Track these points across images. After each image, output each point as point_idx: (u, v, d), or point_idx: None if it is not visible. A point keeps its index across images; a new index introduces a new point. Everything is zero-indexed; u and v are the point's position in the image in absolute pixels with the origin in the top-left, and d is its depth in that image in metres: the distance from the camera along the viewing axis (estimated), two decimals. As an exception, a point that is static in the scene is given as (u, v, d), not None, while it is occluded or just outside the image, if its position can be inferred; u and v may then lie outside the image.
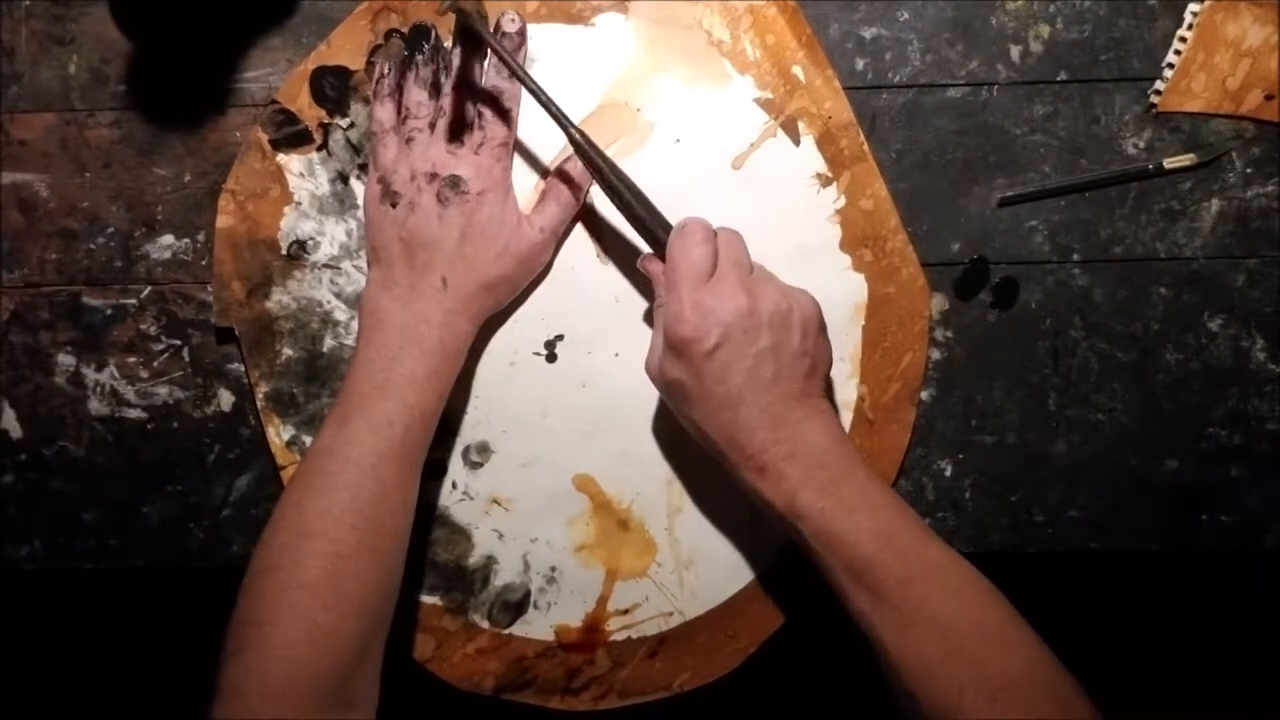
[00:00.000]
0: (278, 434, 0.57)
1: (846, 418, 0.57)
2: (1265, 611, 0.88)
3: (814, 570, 0.49)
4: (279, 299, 0.57)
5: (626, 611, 0.57)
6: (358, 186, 0.56)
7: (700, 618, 0.57)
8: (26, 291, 0.58)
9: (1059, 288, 0.57)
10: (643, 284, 0.56)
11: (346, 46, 0.56)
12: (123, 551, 0.59)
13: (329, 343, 0.57)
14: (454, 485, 0.57)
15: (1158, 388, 0.57)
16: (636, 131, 0.56)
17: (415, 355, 0.51)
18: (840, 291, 0.56)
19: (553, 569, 0.57)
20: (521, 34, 0.54)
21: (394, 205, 0.52)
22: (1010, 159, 0.56)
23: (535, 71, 0.55)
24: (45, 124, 0.57)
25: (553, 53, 0.56)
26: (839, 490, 0.48)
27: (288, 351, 0.57)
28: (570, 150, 0.54)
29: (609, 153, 0.55)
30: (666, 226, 0.52)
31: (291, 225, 0.57)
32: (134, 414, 0.58)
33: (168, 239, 0.57)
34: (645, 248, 0.53)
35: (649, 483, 0.57)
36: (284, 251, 0.57)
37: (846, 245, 0.56)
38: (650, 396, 0.56)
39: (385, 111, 0.54)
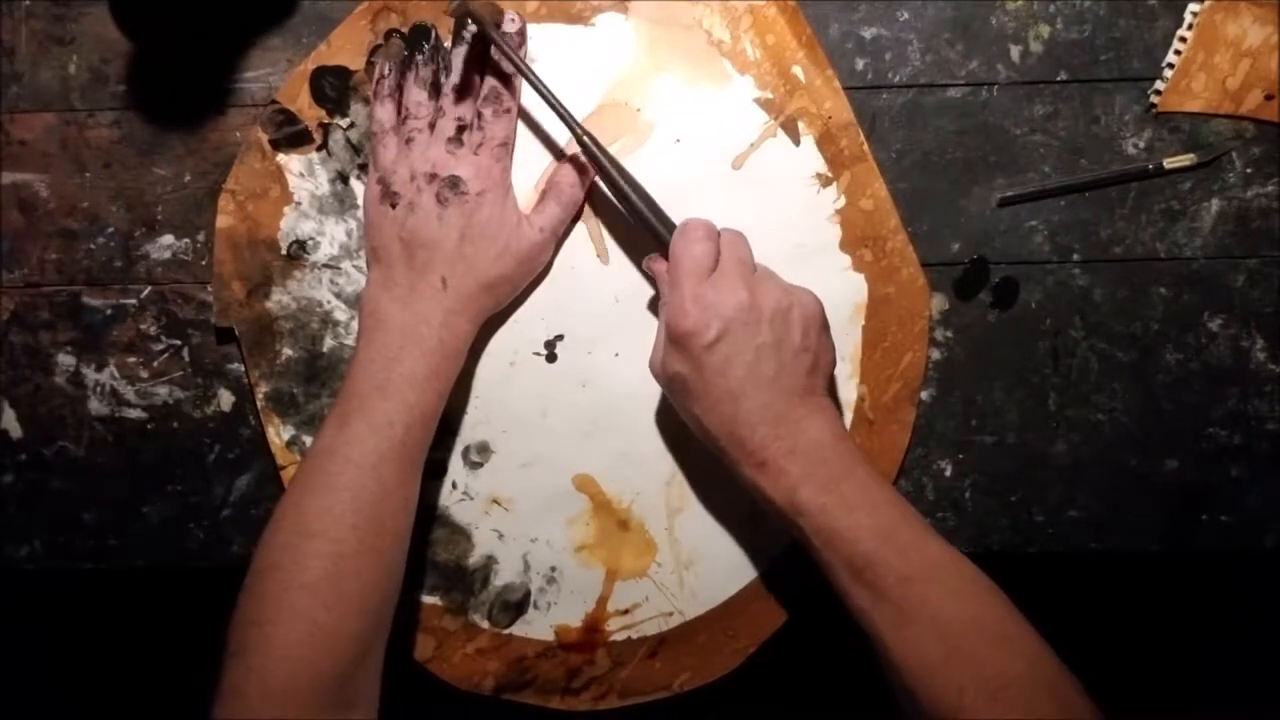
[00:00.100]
0: (278, 434, 0.57)
1: (847, 417, 0.57)
2: (1265, 611, 0.88)
3: (814, 568, 0.49)
4: (279, 299, 0.57)
5: (626, 611, 0.57)
6: (358, 186, 0.56)
7: (700, 618, 0.57)
8: (26, 291, 0.58)
9: (1059, 288, 0.57)
10: (643, 284, 0.56)
11: (346, 46, 0.56)
12: (123, 551, 0.59)
13: (329, 343, 0.57)
14: (454, 485, 0.57)
15: (1158, 388, 0.57)
16: (636, 131, 0.56)
17: (415, 355, 0.51)
18: (840, 291, 0.56)
19: (553, 569, 0.57)
20: (522, 34, 0.54)
21: (394, 205, 0.53)
22: (1010, 159, 0.56)
23: (535, 71, 0.55)
24: (45, 124, 0.57)
25: (553, 53, 0.56)
26: (839, 487, 0.48)
27: (288, 351, 0.57)
28: (571, 150, 0.54)
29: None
30: (670, 226, 0.52)
31: (291, 225, 0.57)
32: (134, 414, 0.58)
33: (168, 239, 0.57)
34: (648, 247, 0.53)
35: (649, 483, 0.57)
36: (284, 251, 0.57)
37: (846, 245, 0.56)
38: (650, 396, 0.56)
39: (385, 112, 0.54)
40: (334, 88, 0.56)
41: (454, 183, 0.52)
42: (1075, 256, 0.57)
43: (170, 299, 0.58)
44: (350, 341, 0.57)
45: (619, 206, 0.53)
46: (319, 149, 0.56)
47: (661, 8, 0.56)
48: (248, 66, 0.57)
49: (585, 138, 0.51)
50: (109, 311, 0.58)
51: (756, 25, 0.55)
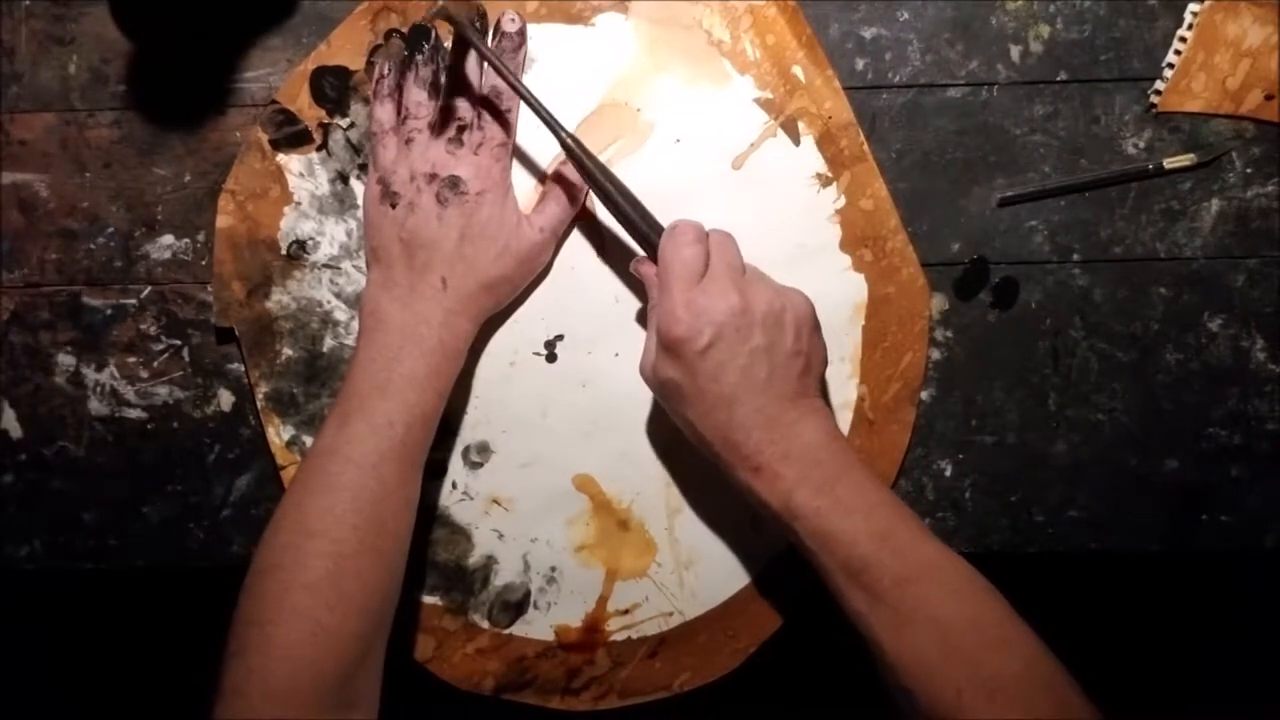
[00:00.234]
0: (278, 434, 0.57)
1: (846, 418, 0.57)
2: (1265, 611, 0.88)
3: (811, 570, 0.49)
4: (279, 299, 0.57)
5: (626, 611, 0.57)
6: (357, 186, 0.56)
7: (700, 618, 0.57)
8: (26, 291, 0.58)
9: (1059, 288, 0.57)
10: (641, 285, 0.56)
11: (346, 46, 0.56)
12: (123, 551, 0.59)
13: (329, 343, 0.57)
14: (454, 485, 0.57)
15: (1158, 388, 0.57)
16: (636, 131, 0.56)
17: (415, 355, 0.51)
18: (840, 291, 0.56)
19: (553, 569, 0.57)
20: (521, 34, 0.54)
21: (393, 206, 0.52)
22: (1010, 159, 0.56)
23: (535, 72, 0.55)
24: (45, 124, 0.57)
25: (553, 53, 0.56)
26: (835, 490, 0.48)
27: (288, 351, 0.57)
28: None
29: (609, 153, 0.56)
30: (658, 229, 0.52)
31: (291, 225, 0.57)
32: (134, 414, 0.58)
33: (168, 239, 0.57)
34: (640, 250, 0.53)
35: (649, 483, 0.57)
36: (284, 251, 0.57)
37: (846, 245, 0.56)
38: (650, 396, 0.56)
39: (385, 112, 0.54)
40: (334, 88, 0.56)
41: (454, 183, 0.52)
42: (1075, 256, 0.57)
43: (170, 299, 0.58)
44: (350, 341, 0.57)
45: (606, 209, 0.53)
46: (319, 149, 0.56)
47: (661, 8, 0.56)
48: (248, 66, 0.57)
49: (569, 141, 0.51)
50: (109, 311, 0.58)
51: (756, 25, 0.55)
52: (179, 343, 0.58)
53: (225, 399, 0.58)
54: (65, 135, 0.57)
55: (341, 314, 0.57)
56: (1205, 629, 0.92)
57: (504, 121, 0.54)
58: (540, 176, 0.56)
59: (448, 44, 0.54)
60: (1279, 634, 0.86)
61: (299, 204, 0.56)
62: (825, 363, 0.52)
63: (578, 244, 0.56)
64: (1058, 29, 0.56)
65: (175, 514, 0.58)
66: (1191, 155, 0.56)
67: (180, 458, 0.58)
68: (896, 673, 0.46)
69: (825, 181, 0.56)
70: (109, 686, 0.95)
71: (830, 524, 0.47)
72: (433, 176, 0.52)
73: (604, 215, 0.56)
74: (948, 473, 0.58)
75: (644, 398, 0.56)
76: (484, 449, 0.57)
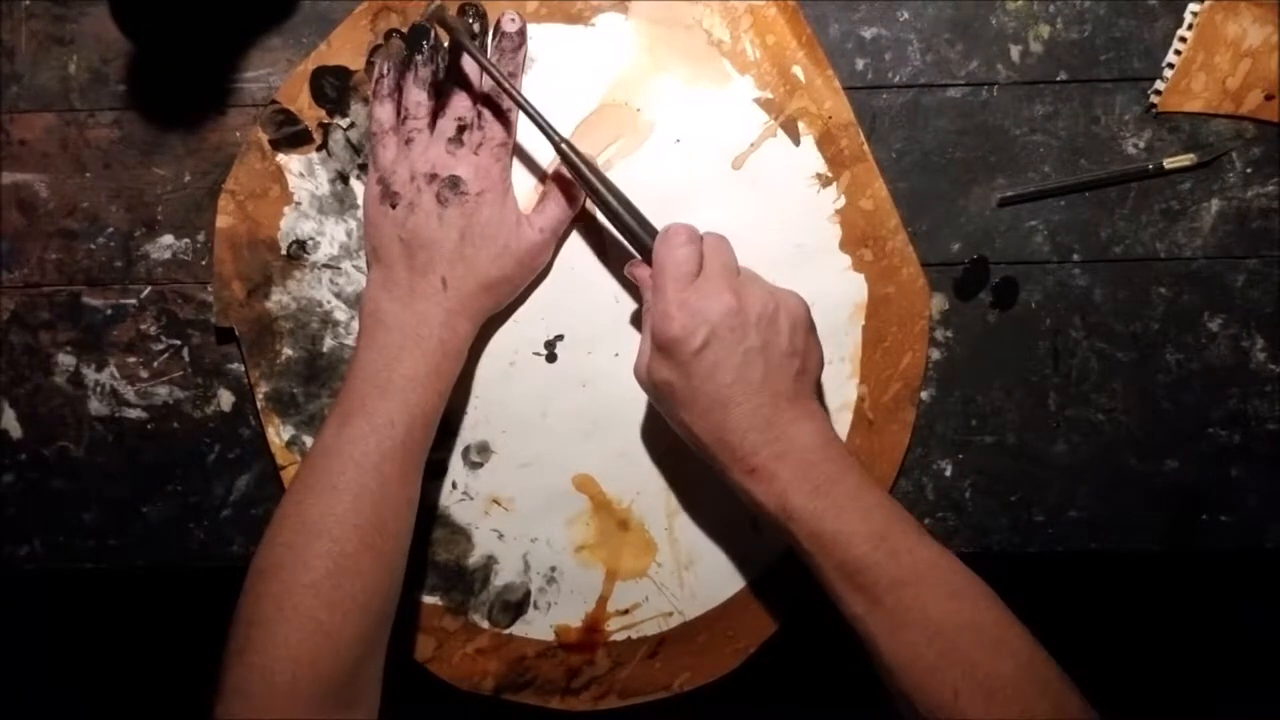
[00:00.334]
0: (278, 434, 0.57)
1: (846, 418, 0.57)
2: (1265, 611, 0.88)
3: (807, 572, 0.49)
4: (279, 299, 0.57)
5: (626, 611, 0.57)
6: (358, 186, 0.56)
7: (700, 618, 0.57)
8: (26, 291, 0.58)
9: (1059, 288, 0.57)
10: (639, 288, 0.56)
11: (346, 46, 0.56)
12: (123, 551, 0.59)
13: (329, 343, 0.57)
14: (454, 485, 0.57)
15: (1158, 388, 0.57)
16: (636, 131, 0.56)
17: (416, 355, 0.51)
18: (840, 291, 0.56)
19: (553, 569, 0.57)
20: (521, 34, 0.54)
21: (394, 206, 0.52)
22: (1010, 159, 0.56)
23: (535, 72, 0.55)
24: (45, 124, 0.57)
25: (553, 53, 0.56)
26: (830, 492, 0.48)
27: (288, 351, 0.57)
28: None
29: (609, 153, 0.56)
30: (652, 232, 0.52)
31: (291, 225, 0.57)
32: (134, 414, 0.58)
33: (168, 239, 0.57)
34: (634, 253, 0.53)
35: (649, 483, 0.57)
36: (284, 251, 0.57)
37: (846, 245, 0.56)
38: (650, 396, 0.56)
39: (385, 111, 0.54)
40: (334, 88, 0.56)
41: (454, 183, 0.52)
42: (1075, 256, 0.57)
43: (170, 299, 0.58)
44: (350, 341, 0.57)
45: (600, 212, 0.53)
46: (319, 149, 0.56)
47: (661, 8, 0.56)
48: (248, 66, 0.57)
49: (562, 144, 0.51)
50: (109, 311, 0.58)
51: (756, 25, 0.55)
52: (179, 343, 0.58)
53: (225, 399, 0.58)
54: (65, 135, 0.57)
55: (341, 314, 0.57)
56: (1205, 629, 0.92)
57: (504, 121, 0.54)
58: (540, 176, 0.56)
59: (447, 44, 0.54)
60: (1279, 634, 0.86)
61: (299, 204, 0.56)
62: (821, 364, 0.52)
63: (578, 244, 0.56)
64: (1058, 29, 0.56)
65: (175, 514, 0.58)
66: (1191, 155, 0.56)
67: (180, 458, 0.58)
68: (894, 675, 0.46)
69: (825, 181, 0.56)
70: (109, 686, 0.95)
71: (826, 526, 0.47)
72: (433, 176, 0.52)
73: (603, 216, 0.56)
74: (948, 473, 0.58)
75: (644, 398, 0.56)
76: (484, 449, 0.57)
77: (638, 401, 0.56)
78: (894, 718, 0.47)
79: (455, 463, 0.57)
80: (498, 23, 0.54)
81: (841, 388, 0.57)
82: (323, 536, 0.47)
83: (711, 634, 0.57)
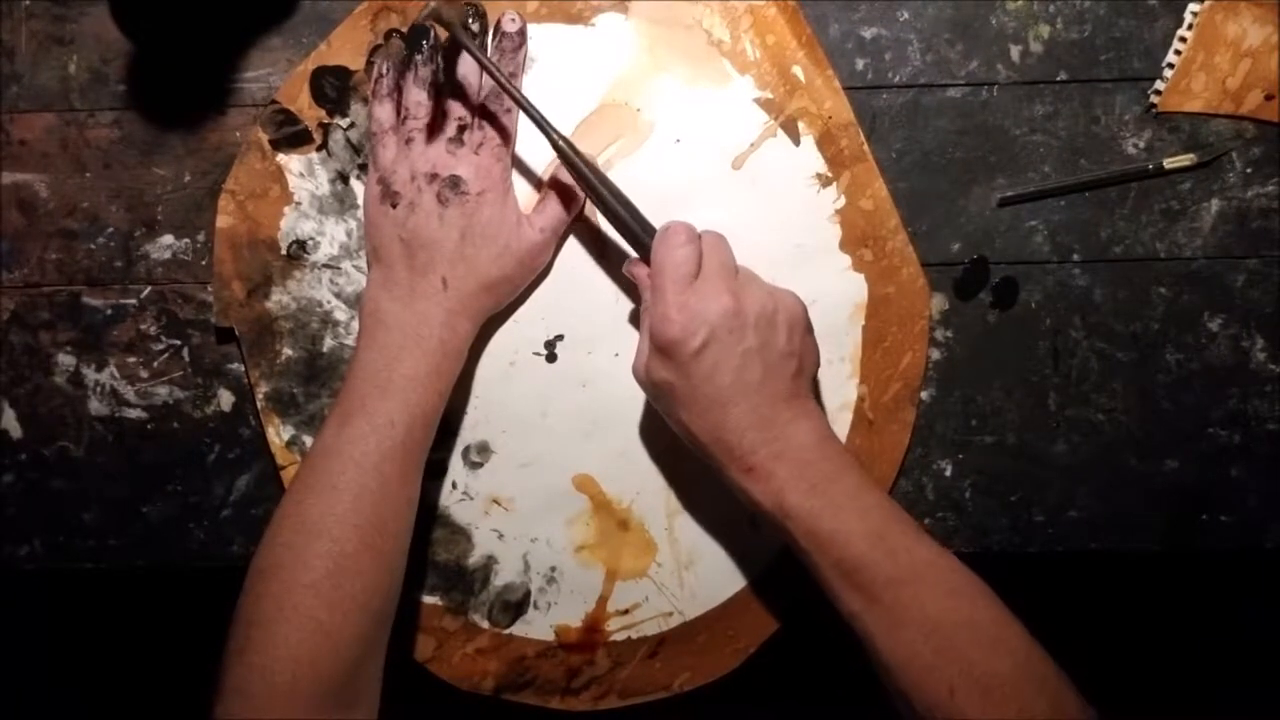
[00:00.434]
0: (278, 434, 0.57)
1: (846, 418, 0.57)
2: (1265, 611, 0.88)
3: (805, 571, 0.49)
4: (279, 299, 0.57)
5: (626, 611, 0.57)
6: (358, 186, 0.56)
7: (700, 618, 0.57)
8: (26, 291, 0.58)
9: (1059, 288, 0.57)
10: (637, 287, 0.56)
11: (346, 46, 0.56)
12: (123, 551, 0.59)
13: (329, 343, 0.57)
14: (454, 485, 0.57)
15: (1158, 388, 0.57)
16: (636, 131, 0.56)
17: (416, 355, 0.51)
18: (840, 291, 0.56)
19: (553, 569, 0.57)
20: (521, 34, 0.54)
21: (394, 206, 0.52)
22: (1010, 159, 0.56)
23: (535, 72, 0.55)
24: (45, 124, 0.57)
25: (553, 53, 0.56)
26: (828, 491, 0.48)
27: (288, 351, 0.57)
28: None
29: (609, 153, 0.56)
30: (651, 231, 0.52)
31: (291, 225, 0.57)
32: (134, 414, 0.58)
33: (168, 239, 0.57)
34: (633, 252, 0.53)
35: (649, 482, 0.57)
36: (284, 251, 0.57)
37: (846, 245, 0.56)
38: (650, 396, 0.56)
39: (385, 111, 0.53)
40: (334, 88, 0.56)
41: (454, 183, 0.52)
42: (1075, 256, 0.57)
43: (170, 299, 0.58)
44: (350, 341, 0.57)
45: (598, 211, 0.53)
46: (319, 149, 0.56)
47: (661, 8, 0.56)
48: (248, 66, 0.57)
49: (561, 142, 0.51)
50: (109, 311, 0.58)
51: (756, 25, 0.55)
52: (179, 343, 0.58)
53: (225, 399, 0.58)
54: (65, 135, 0.57)
55: (341, 314, 0.57)
56: (1205, 629, 0.92)
57: (504, 121, 0.54)
58: (540, 177, 0.56)
59: (447, 43, 0.54)
60: (1279, 634, 0.86)
61: (299, 204, 0.56)
62: (818, 364, 0.52)
63: (578, 244, 0.56)
64: (1058, 29, 0.56)
65: (175, 514, 0.58)
66: (1191, 155, 0.56)
67: (180, 458, 0.58)
68: (891, 673, 0.46)
69: (825, 181, 0.56)
70: (109, 686, 0.95)
71: (823, 524, 0.47)
72: (433, 176, 0.52)
73: (603, 216, 0.56)
74: (948, 473, 0.58)
75: (643, 398, 0.56)
76: (484, 449, 0.57)
77: (637, 401, 0.56)
78: (892, 716, 0.47)
79: (455, 463, 0.57)
80: (498, 23, 0.54)
81: (841, 388, 0.57)
82: (323, 536, 0.47)
83: (711, 634, 0.57)
